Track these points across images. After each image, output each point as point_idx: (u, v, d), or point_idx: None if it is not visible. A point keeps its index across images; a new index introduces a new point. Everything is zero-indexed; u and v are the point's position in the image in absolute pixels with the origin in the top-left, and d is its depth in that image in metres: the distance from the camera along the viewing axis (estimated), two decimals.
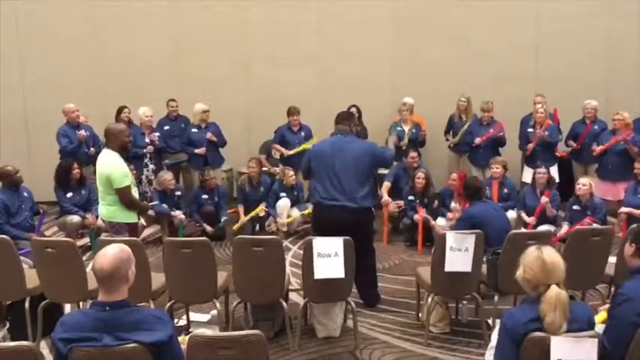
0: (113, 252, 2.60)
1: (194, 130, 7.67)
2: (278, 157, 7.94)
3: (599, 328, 2.84)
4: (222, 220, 7.12)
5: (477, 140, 7.48)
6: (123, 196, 4.67)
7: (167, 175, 7.08)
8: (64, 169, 6.60)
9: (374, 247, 5.09)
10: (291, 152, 7.63)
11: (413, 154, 7.21)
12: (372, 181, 5.04)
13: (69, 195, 6.61)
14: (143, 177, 7.46)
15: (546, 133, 7.15)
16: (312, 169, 4.87)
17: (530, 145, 7.20)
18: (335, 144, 4.85)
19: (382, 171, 7.19)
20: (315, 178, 4.87)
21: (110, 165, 4.65)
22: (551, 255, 2.69)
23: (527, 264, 2.70)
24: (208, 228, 7.01)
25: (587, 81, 8.15)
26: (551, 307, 2.59)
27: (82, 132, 7.24)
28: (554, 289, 2.61)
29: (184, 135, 7.74)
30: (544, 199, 6.28)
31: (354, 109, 7.50)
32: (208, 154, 7.63)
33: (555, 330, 2.59)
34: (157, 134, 7.56)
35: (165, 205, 6.94)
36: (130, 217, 4.81)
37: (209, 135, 7.60)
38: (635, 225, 4.48)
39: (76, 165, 6.67)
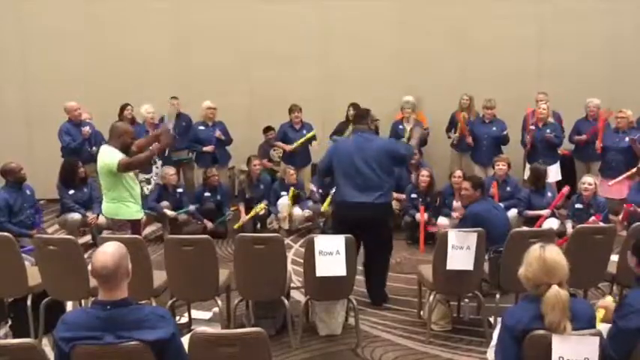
0: (113, 249, 2.60)
1: (201, 127, 7.69)
2: (278, 159, 7.94)
3: (602, 327, 2.82)
4: (225, 214, 7.12)
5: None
6: (124, 166, 4.59)
7: (170, 170, 7.09)
8: (70, 167, 6.59)
9: (392, 243, 5.13)
10: (294, 145, 7.63)
11: None
12: (393, 176, 5.15)
13: (71, 192, 6.61)
14: (152, 174, 7.46)
15: (548, 131, 7.15)
16: (334, 168, 4.93)
17: (528, 138, 7.20)
18: (356, 143, 4.92)
19: None
20: (337, 176, 4.94)
21: (109, 155, 4.63)
22: (553, 254, 2.67)
23: (528, 262, 2.69)
24: (209, 224, 7.02)
25: (589, 79, 8.13)
26: (550, 308, 2.57)
27: (87, 128, 7.24)
28: (554, 289, 2.59)
29: (191, 133, 7.75)
30: (566, 189, 6.40)
31: (351, 109, 7.48)
32: (217, 151, 7.65)
33: (556, 329, 2.58)
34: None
35: (166, 202, 6.94)
36: (133, 214, 4.80)
37: (218, 133, 7.61)
38: (636, 224, 4.49)
39: (80, 163, 6.69)
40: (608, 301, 3.17)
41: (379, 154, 4.85)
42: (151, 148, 4.93)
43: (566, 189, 6.45)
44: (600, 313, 3.02)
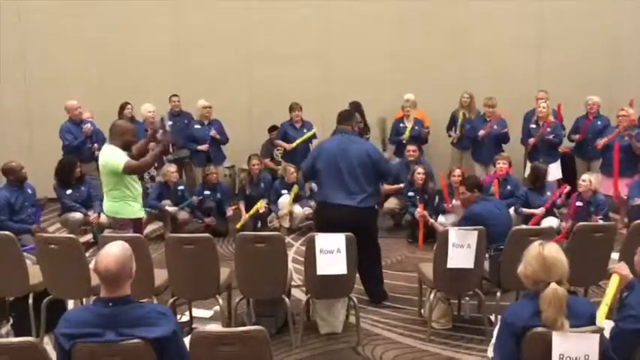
0: (117, 251, 2.60)
1: (197, 126, 7.69)
2: (280, 158, 7.93)
3: (606, 324, 2.83)
4: (224, 212, 7.14)
5: (481, 132, 7.44)
6: (129, 170, 4.60)
7: (171, 168, 7.10)
8: (67, 166, 6.59)
9: (379, 244, 5.09)
10: (295, 144, 7.62)
11: (412, 147, 7.20)
12: (376, 181, 5.03)
13: (69, 192, 6.61)
14: (145, 174, 7.46)
15: (548, 130, 7.13)
16: (317, 169, 4.87)
17: (532, 140, 7.18)
18: (339, 144, 4.83)
19: None
20: (320, 177, 4.89)
21: (107, 154, 4.62)
22: (552, 252, 2.66)
23: (527, 260, 2.69)
24: (209, 220, 7.04)
25: (590, 77, 8.13)
26: (546, 304, 2.57)
27: (88, 125, 7.24)
28: (552, 287, 2.58)
29: (187, 131, 7.75)
30: (563, 188, 6.38)
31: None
32: (210, 150, 7.65)
33: (552, 326, 2.57)
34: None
35: (167, 201, 6.95)
36: (135, 213, 4.80)
37: (212, 132, 7.62)
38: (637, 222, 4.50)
39: (78, 162, 6.69)
40: (622, 265, 3.11)
41: (362, 156, 4.74)
42: (152, 149, 4.90)
43: (563, 188, 6.44)
44: (615, 280, 3.00)
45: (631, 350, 2.68)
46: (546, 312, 2.57)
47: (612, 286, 3.01)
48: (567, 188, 6.48)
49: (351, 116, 5.06)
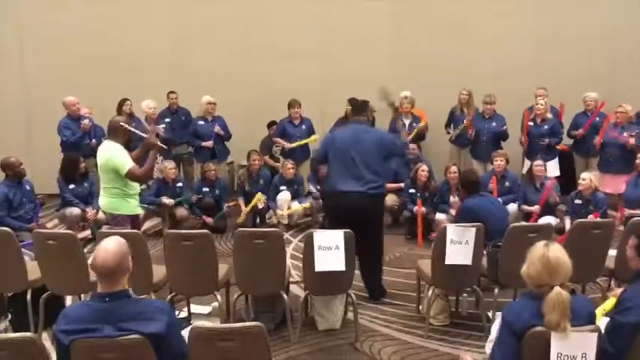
0: (113, 247, 2.60)
1: (201, 122, 7.68)
2: (279, 155, 7.93)
3: (601, 322, 2.83)
4: (223, 209, 7.14)
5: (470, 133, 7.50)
6: (133, 177, 4.60)
7: (169, 164, 7.10)
8: (70, 162, 6.59)
9: (382, 239, 5.11)
10: (292, 145, 7.63)
11: (411, 145, 7.20)
12: (387, 169, 5.18)
13: (71, 186, 6.62)
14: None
15: (545, 127, 7.11)
16: (329, 158, 4.93)
17: (523, 139, 7.25)
18: (352, 133, 4.92)
19: None
20: (331, 166, 4.94)
21: (111, 151, 4.58)
22: (557, 253, 2.63)
23: (532, 261, 2.65)
24: (209, 220, 7.04)
25: (589, 74, 8.13)
26: (550, 308, 2.55)
27: (86, 121, 7.24)
28: (556, 291, 2.56)
29: (191, 127, 7.74)
30: (550, 183, 6.36)
31: (349, 107, 7.47)
32: (215, 147, 7.65)
33: (555, 329, 2.56)
34: (163, 126, 7.55)
35: (164, 198, 6.95)
36: (133, 209, 4.79)
37: (217, 128, 7.60)
38: (635, 219, 4.50)
39: (81, 158, 6.69)
40: (620, 290, 3.14)
41: (376, 145, 4.83)
42: (150, 156, 4.83)
43: (550, 182, 6.44)
44: (611, 302, 3.02)
45: (629, 343, 2.68)
46: (550, 316, 2.55)
47: (608, 305, 3.02)
48: (554, 181, 6.50)
49: (365, 107, 5.13)
